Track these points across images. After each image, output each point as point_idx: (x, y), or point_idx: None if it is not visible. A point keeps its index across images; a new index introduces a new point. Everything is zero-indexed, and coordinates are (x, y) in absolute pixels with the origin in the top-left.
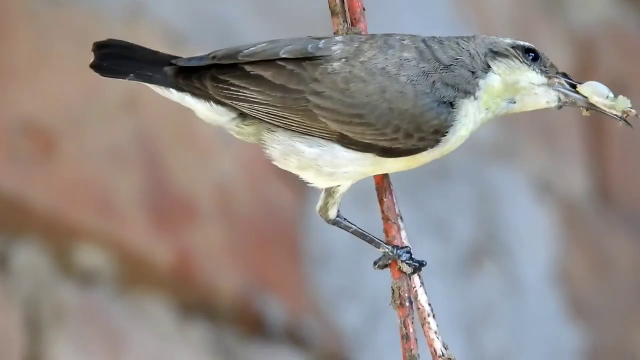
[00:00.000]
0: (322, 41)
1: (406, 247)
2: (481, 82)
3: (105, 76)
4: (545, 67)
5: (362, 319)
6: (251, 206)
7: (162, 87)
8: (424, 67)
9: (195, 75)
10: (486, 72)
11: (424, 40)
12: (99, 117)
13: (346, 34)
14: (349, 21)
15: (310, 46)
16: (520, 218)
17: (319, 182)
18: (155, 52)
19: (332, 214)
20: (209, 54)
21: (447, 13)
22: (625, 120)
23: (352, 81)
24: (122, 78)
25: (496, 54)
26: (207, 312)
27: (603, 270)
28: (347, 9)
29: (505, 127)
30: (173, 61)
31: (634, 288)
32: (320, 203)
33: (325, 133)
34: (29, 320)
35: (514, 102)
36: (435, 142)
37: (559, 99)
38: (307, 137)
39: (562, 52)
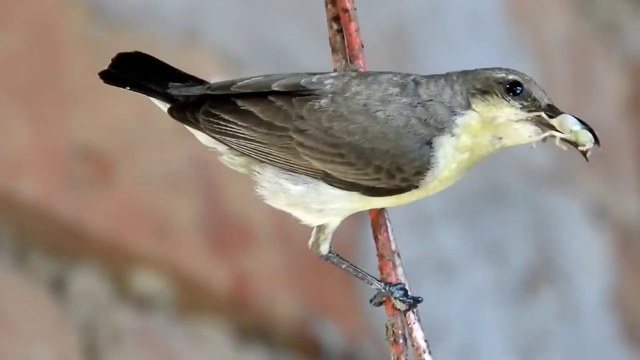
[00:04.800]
0: (317, 76)
1: (400, 283)
2: (459, 119)
3: (107, 83)
4: (526, 101)
5: None
6: (307, 230)
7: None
8: (403, 102)
9: (190, 108)
10: (465, 110)
11: (414, 79)
12: (156, 142)
13: (344, 70)
14: (348, 58)
15: (303, 80)
16: (576, 243)
17: (308, 219)
18: (176, 71)
19: (323, 249)
20: (207, 86)
21: (502, 37)
22: (582, 153)
23: (335, 120)
24: (122, 87)
25: (478, 90)
26: (265, 336)
27: None
28: (346, 45)
29: (561, 152)
30: (168, 90)
31: None
32: (312, 239)
33: (310, 171)
34: (87, 344)
35: (501, 138)
36: (418, 183)
37: (539, 133)
38: (293, 174)
39: (618, 77)
